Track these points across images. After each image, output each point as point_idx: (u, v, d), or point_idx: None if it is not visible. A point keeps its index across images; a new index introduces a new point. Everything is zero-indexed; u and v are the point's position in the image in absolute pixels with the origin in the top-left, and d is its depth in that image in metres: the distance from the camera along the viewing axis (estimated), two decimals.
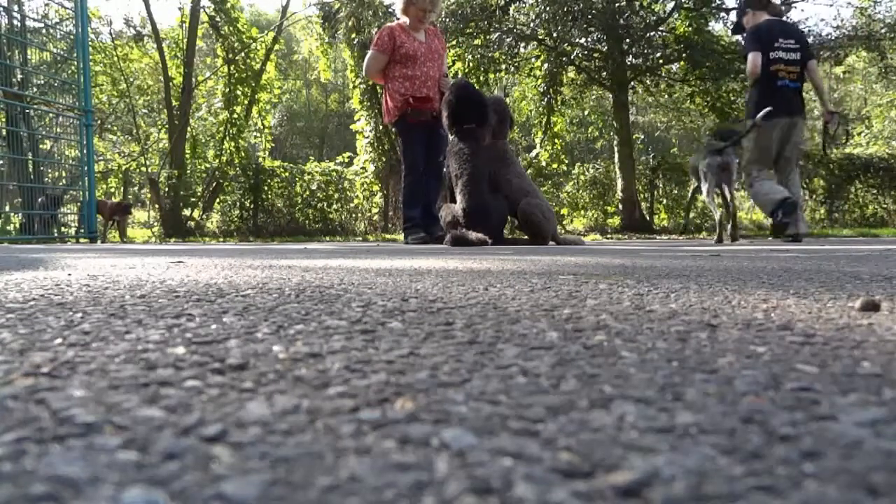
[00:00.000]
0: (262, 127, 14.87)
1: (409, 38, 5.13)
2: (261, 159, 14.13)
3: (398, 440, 0.36)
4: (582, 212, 13.37)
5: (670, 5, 12.58)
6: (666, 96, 15.38)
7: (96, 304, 0.96)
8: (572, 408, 0.42)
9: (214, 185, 13.57)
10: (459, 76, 11.79)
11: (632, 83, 13.18)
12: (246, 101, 14.12)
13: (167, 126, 14.80)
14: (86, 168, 8.22)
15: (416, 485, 0.30)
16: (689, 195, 5.97)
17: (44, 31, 9.26)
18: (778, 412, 0.41)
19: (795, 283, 1.29)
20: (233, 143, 13.67)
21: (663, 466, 0.32)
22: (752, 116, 5.19)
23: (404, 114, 5.11)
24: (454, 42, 11.67)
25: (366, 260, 2.30)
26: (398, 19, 5.41)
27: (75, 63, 8.26)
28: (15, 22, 9.08)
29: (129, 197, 15.98)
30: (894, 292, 1.10)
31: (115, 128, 20.31)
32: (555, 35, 11.80)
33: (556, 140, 12.96)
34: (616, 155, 12.96)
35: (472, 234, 4.07)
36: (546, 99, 12.60)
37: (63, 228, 8.84)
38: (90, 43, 9.71)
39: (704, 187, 5.47)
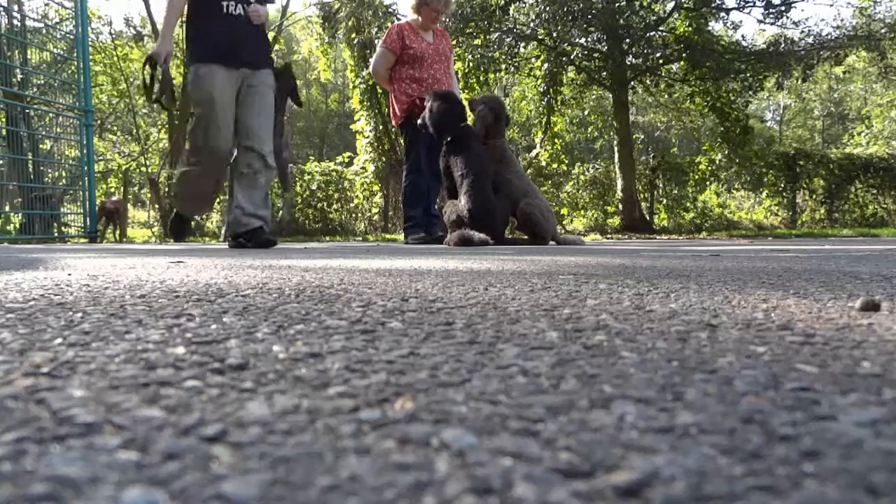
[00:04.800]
0: None
1: (417, 38, 5.12)
2: None
3: (398, 440, 0.36)
4: (582, 212, 13.38)
5: (670, 5, 12.59)
6: (666, 96, 15.40)
7: (96, 304, 0.96)
8: (572, 408, 0.42)
9: None
10: (458, 76, 11.80)
11: (632, 83, 13.19)
12: None
13: (167, 126, 14.79)
14: (86, 168, 8.22)
15: (416, 485, 0.30)
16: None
17: (44, 31, 9.25)
18: (778, 412, 0.41)
19: (795, 283, 1.29)
20: None
21: (663, 466, 0.32)
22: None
23: (411, 115, 5.11)
24: (454, 42, 11.67)
25: (366, 260, 2.30)
26: (399, 19, 5.41)
27: (75, 63, 8.26)
28: (15, 22, 9.07)
29: (129, 197, 15.95)
30: (894, 292, 1.10)
31: (115, 128, 20.32)
32: (555, 35, 11.80)
33: (556, 140, 12.96)
34: (616, 155, 12.97)
35: (476, 235, 4.07)
36: (546, 99, 12.60)
37: (63, 228, 8.83)
38: (90, 43, 9.70)
39: None
